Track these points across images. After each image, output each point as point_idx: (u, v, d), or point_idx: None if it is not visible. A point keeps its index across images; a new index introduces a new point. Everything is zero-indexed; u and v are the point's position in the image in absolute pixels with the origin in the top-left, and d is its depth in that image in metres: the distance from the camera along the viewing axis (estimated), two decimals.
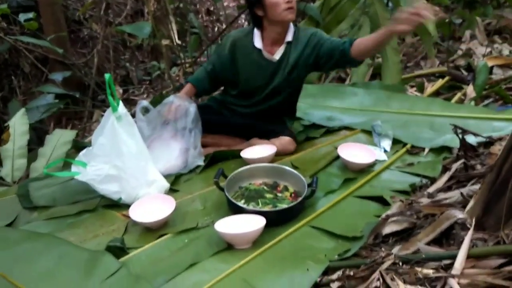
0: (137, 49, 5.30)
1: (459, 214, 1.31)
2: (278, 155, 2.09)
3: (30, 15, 3.68)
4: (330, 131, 2.37)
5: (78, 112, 4.33)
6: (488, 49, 3.30)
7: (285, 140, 2.15)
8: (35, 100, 3.17)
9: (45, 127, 4.23)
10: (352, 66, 2.51)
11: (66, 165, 2.10)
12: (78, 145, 2.43)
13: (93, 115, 4.19)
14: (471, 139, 1.92)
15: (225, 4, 5.76)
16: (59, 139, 2.40)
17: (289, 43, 2.11)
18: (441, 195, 1.60)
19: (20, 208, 1.88)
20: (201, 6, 6.19)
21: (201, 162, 2.10)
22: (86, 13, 5.12)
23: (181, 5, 4.52)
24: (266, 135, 2.20)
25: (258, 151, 2.09)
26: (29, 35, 4.02)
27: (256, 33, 2.13)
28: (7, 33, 4.27)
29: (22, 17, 3.69)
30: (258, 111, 2.24)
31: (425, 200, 1.61)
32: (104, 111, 4.06)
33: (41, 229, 1.71)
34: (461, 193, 1.47)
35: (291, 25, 2.11)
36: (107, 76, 1.74)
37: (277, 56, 2.13)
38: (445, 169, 1.86)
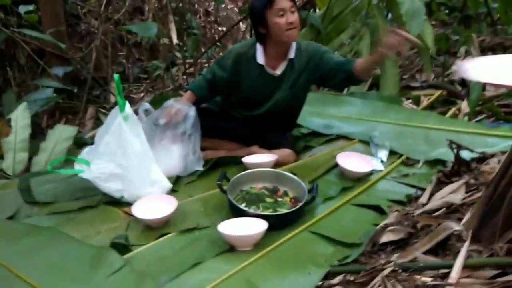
0: (134, 46, 5.30)
1: (455, 226, 1.37)
2: (278, 165, 2.10)
3: (30, 7, 3.67)
4: (328, 140, 2.41)
5: (72, 106, 4.31)
6: None
7: (286, 152, 2.18)
8: (33, 93, 3.17)
9: (38, 120, 4.21)
10: (353, 85, 2.59)
11: (68, 161, 2.12)
12: (79, 141, 2.44)
13: (87, 110, 4.18)
14: (465, 154, 1.98)
15: (223, 5, 5.79)
16: (61, 134, 2.41)
17: (291, 60, 2.16)
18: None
19: (21, 201, 1.89)
20: (200, 6, 6.22)
21: (200, 167, 2.12)
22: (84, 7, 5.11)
23: (180, 4, 4.54)
24: (267, 145, 2.23)
25: (259, 157, 2.13)
26: (27, 27, 4.00)
27: (259, 48, 2.16)
28: (4, 24, 4.24)
29: (22, 9, 3.69)
30: (259, 121, 2.27)
31: (420, 211, 1.67)
32: (99, 107, 4.09)
33: (43, 223, 1.73)
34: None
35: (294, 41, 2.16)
36: (116, 76, 1.77)
37: (279, 71, 2.18)
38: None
